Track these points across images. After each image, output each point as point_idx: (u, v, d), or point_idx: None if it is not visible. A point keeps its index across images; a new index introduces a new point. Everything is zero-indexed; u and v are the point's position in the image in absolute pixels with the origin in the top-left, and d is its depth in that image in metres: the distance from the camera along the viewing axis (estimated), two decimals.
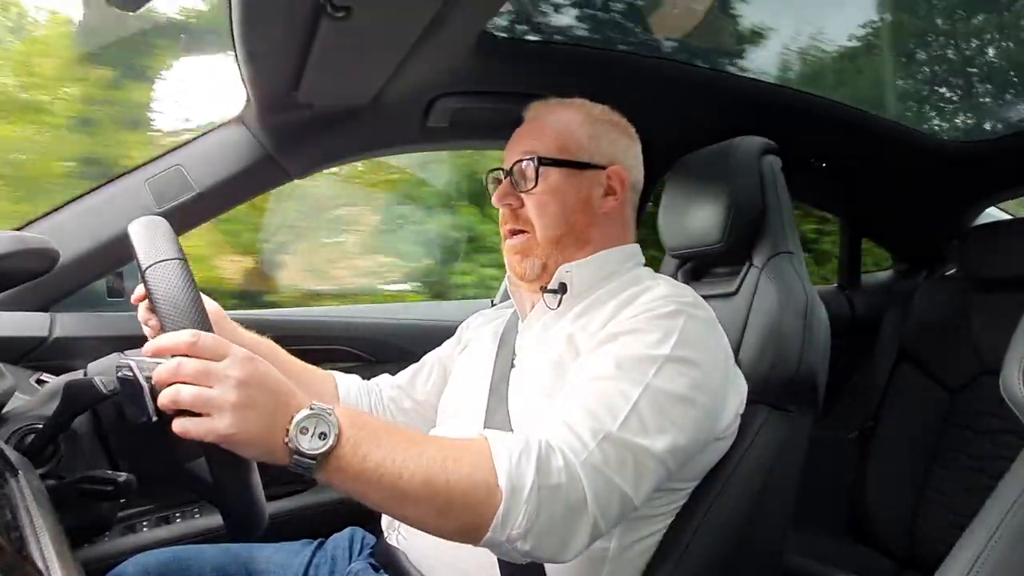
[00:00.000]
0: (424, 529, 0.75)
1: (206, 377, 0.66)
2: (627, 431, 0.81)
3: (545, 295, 1.06)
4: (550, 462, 0.76)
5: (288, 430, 0.67)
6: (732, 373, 0.97)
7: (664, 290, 0.96)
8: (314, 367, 1.17)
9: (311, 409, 0.68)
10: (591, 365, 0.89)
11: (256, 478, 0.77)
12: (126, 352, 0.87)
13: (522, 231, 1.05)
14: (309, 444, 0.67)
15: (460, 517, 0.73)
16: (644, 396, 0.83)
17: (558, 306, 1.04)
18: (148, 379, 0.73)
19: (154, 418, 0.75)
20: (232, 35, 1.04)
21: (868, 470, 1.79)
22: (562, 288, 1.04)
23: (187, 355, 0.67)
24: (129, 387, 0.78)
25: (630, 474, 0.80)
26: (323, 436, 0.67)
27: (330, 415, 0.68)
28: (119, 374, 0.80)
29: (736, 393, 0.96)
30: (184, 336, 0.67)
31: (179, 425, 0.66)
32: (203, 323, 0.71)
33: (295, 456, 0.66)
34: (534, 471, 0.74)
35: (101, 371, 0.95)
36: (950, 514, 1.61)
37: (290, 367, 1.11)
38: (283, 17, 0.97)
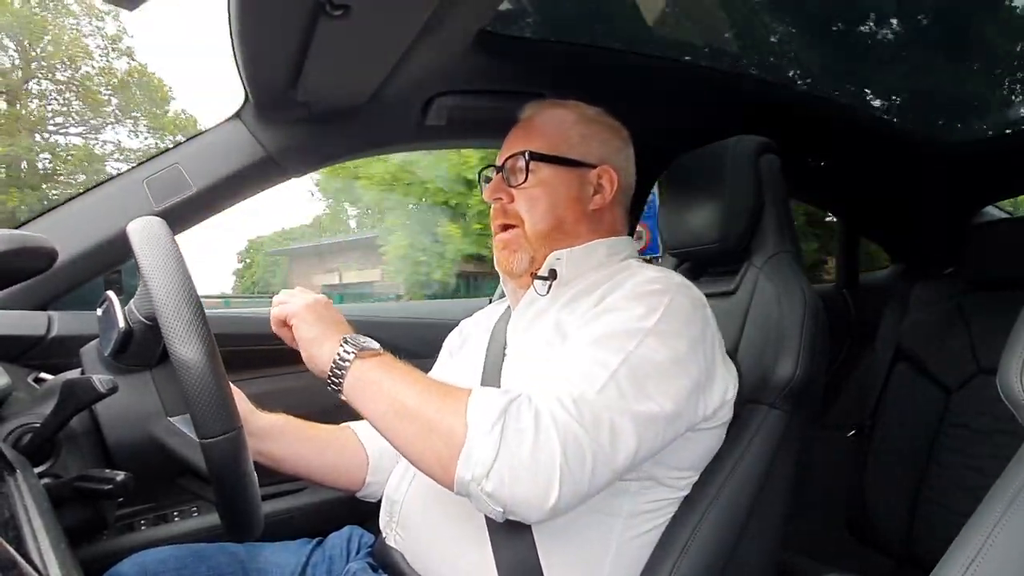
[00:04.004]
0: (409, 454, 0.83)
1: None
2: (605, 395, 0.81)
3: (535, 281, 1.07)
4: (520, 409, 0.80)
5: (342, 337, 0.89)
6: (721, 357, 0.96)
7: (652, 273, 0.97)
8: (330, 426, 1.17)
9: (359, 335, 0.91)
10: (575, 340, 0.90)
11: (253, 479, 0.77)
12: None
13: (512, 225, 1.07)
14: (354, 345, 0.87)
15: (437, 444, 0.79)
16: (624, 365, 0.84)
17: (547, 292, 1.05)
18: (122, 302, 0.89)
19: (122, 326, 0.88)
20: (231, 33, 1.04)
21: (866, 469, 1.80)
22: (552, 275, 1.05)
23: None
24: (107, 311, 0.90)
25: (605, 435, 0.80)
26: (366, 345, 0.88)
27: (376, 343, 0.90)
28: (101, 305, 0.92)
29: (724, 378, 0.96)
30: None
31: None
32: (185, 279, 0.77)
33: (343, 345, 0.87)
34: (500, 411, 0.78)
35: (91, 352, 0.95)
36: (947, 512, 1.62)
37: (307, 431, 1.13)
38: (281, 16, 0.97)
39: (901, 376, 1.82)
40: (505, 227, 1.08)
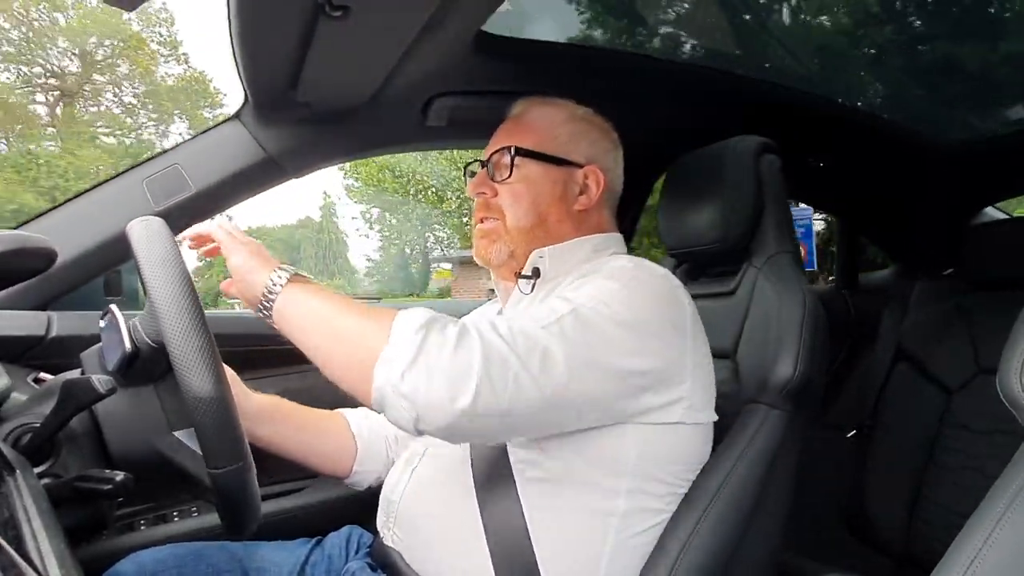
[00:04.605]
0: (333, 367, 0.83)
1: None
2: (546, 331, 0.81)
3: (520, 280, 1.07)
4: (447, 324, 0.80)
5: (272, 268, 0.89)
6: (691, 349, 0.92)
7: (624, 261, 0.97)
8: (322, 411, 1.18)
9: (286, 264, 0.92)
10: None
11: (257, 497, 0.78)
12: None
13: (493, 218, 1.07)
14: (289, 269, 0.90)
15: (360, 353, 0.80)
16: (573, 314, 0.83)
17: (532, 291, 1.05)
18: (127, 320, 0.86)
19: (128, 348, 0.85)
20: (230, 34, 1.04)
21: (866, 469, 1.80)
22: (535, 273, 1.05)
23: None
24: (110, 326, 0.88)
25: (536, 360, 0.79)
26: (294, 273, 0.90)
27: (299, 270, 0.91)
28: (103, 317, 0.89)
29: (695, 367, 0.92)
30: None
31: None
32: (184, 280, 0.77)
33: (276, 271, 0.88)
34: (425, 321, 0.79)
35: (92, 358, 0.95)
36: (947, 513, 1.62)
37: (298, 418, 1.14)
38: (281, 16, 0.97)
39: (901, 376, 1.82)
40: (486, 219, 1.08)
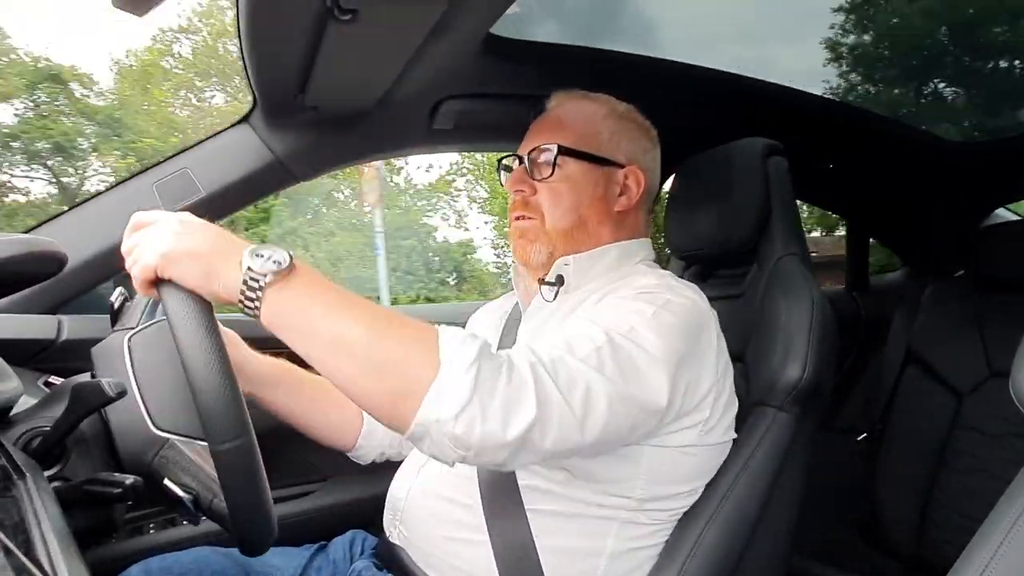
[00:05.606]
0: (352, 389, 0.71)
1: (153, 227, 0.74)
2: (585, 363, 0.77)
3: (542, 287, 1.05)
4: (497, 354, 0.73)
5: (243, 255, 0.70)
6: (712, 365, 0.91)
7: (652, 280, 0.96)
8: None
9: (264, 244, 0.71)
10: (570, 322, 0.88)
11: (267, 496, 0.77)
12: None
13: (531, 217, 1.05)
14: (262, 264, 0.69)
15: (392, 379, 0.69)
16: (609, 344, 0.79)
17: (554, 298, 1.04)
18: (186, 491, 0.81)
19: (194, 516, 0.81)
20: (239, 38, 1.04)
21: (876, 472, 1.79)
22: (559, 280, 1.04)
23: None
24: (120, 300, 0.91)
25: (578, 400, 0.74)
26: (277, 263, 0.69)
27: (284, 249, 0.71)
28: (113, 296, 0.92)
29: (717, 393, 0.91)
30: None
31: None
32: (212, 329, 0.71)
33: (248, 271, 0.69)
34: (476, 352, 0.70)
35: (103, 351, 0.95)
36: (958, 516, 1.61)
37: (304, 386, 1.09)
38: (290, 20, 0.97)
39: (912, 379, 1.81)
40: (523, 218, 1.05)
